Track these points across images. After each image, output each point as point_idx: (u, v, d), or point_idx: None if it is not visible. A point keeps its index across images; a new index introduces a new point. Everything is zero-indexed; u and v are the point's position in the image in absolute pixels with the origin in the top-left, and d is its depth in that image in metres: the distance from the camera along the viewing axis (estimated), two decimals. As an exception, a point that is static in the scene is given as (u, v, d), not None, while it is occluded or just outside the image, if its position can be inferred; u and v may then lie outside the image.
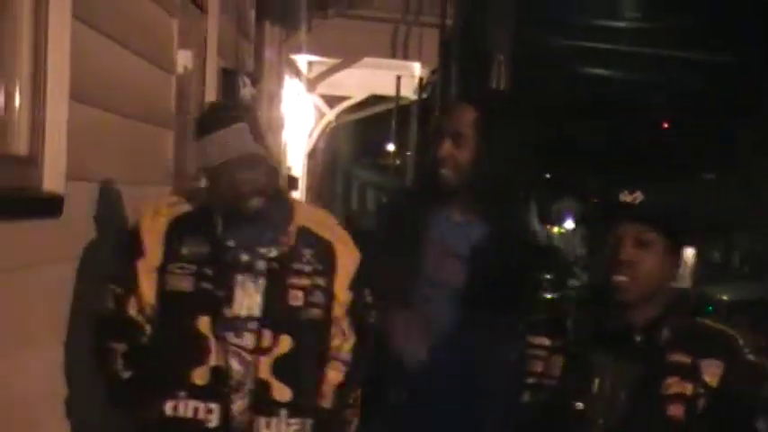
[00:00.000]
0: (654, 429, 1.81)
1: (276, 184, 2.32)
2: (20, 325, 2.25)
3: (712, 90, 22.25)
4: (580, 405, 1.83)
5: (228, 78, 4.85)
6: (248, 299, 2.20)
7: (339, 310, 2.30)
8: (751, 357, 1.86)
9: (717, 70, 20.83)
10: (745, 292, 9.95)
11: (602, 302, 1.88)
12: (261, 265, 2.22)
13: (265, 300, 2.20)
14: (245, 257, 2.22)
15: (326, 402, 2.29)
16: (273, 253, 2.23)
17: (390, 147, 13.02)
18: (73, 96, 2.47)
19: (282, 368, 2.20)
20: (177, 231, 2.22)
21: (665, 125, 28.06)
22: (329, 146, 11.00)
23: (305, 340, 2.23)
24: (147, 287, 2.20)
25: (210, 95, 4.43)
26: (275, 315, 2.21)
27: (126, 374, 2.22)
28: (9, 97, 2.32)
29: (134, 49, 3.04)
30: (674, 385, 1.81)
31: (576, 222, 30.97)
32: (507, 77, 8.72)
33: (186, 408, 2.18)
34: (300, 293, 2.23)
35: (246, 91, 5.10)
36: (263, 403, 2.19)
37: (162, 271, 2.20)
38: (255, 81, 5.68)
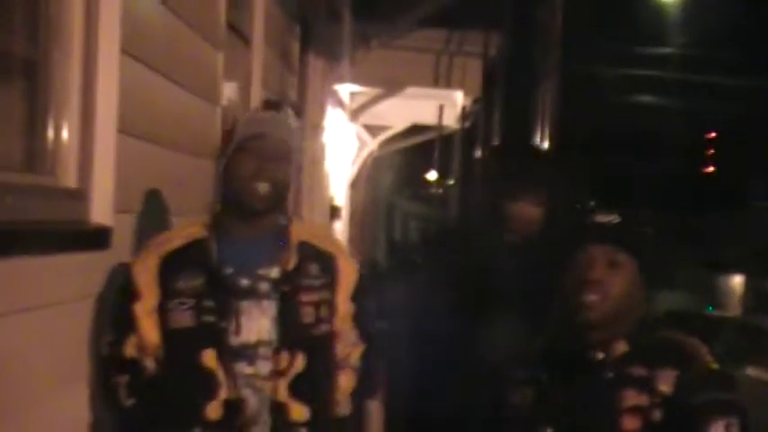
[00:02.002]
0: None
1: (285, 195, 2.27)
2: (70, 359, 2.26)
3: (764, 117, 21.97)
4: (549, 431, 1.86)
5: (272, 110, 4.88)
6: (255, 324, 2.16)
7: (342, 323, 2.26)
8: (707, 364, 1.85)
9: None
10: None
11: (565, 325, 1.91)
12: (263, 287, 2.18)
13: (280, 321, 2.16)
14: (244, 282, 2.17)
15: (344, 409, 2.27)
16: (275, 273, 2.19)
17: (433, 176, 13.01)
18: (121, 129, 2.49)
19: (299, 387, 2.17)
20: (170, 267, 2.18)
21: (712, 152, 27.72)
22: (372, 175, 11.02)
23: (317, 357, 2.20)
24: (150, 328, 2.17)
25: (255, 127, 4.45)
26: (291, 335, 2.17)
27: (129, 402, 2.19)
28: (58, 130, 2.34)
29: (181, 83, 3.07)
30: (630, 398, 1.81)
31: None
32: (552, 107, 8.67)
33: None
34: (311, 309, 2.20)
35: (290, 122, 5.12)
36: (282, 425, 2.16)
37: (162, 310, 2.17)
38: (299, 112, 5.71)
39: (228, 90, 4.06)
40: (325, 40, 6.71)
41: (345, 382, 2.29)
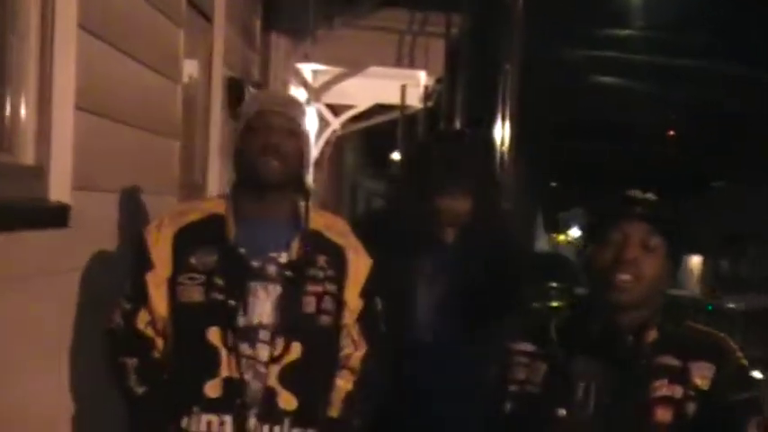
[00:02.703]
0: None
1: (298, 171, 2.25)
2: (26, 335, 2.25)
3: (728, 101, 22.21)
4: (562, 412, 1.76)
5: (234, 88, 4.86)
6: (260, 307, 2.16)
7: (350, 318, 2.25)
8: (740, 360, 1.81)
9: (732, 82, 20.80)
10: (756, 302, 9.87)
11: (593, 304, 1.82)
12: (272, 270, 2.17)
13: (280, 306, 2.16)
14: (255, 264, 2.17)
15: (334, 411, 2.25)
16: (284, 258, 2.19)
17: (396, 156, 13.01)
18: (79, 106, 2.47)
19: (290, 376, 2.16)
20: (185, 241, 2.18)
21: (671, 133, 28.01)
22: (335, 155, 11.01)
23: (315, 348, 2.19)
24: (159, 300, 2.17)
25: (216, 105, 4.44)
26: (289, 322, 2.17)
27: (140, 390, 2.18)
28: (15, 108, 2.32)
29: (140, 59, 3.04)
30: (662, 388, 1.75)
31: (583, 229, 30.92)
32: (514, 87, 8.71)
33: (200, 422, 2.14)
34: (313, 300, 2.19)
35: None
36: (267, 410, 2.16)
37: (172, 282, 2.17)
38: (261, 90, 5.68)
39: (190, 68, 4.03)
40: (288, 18, 6.67)
41: (342, 384, 2.27)
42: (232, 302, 2.14)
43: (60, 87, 2.40)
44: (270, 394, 2.15)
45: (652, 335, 1.79)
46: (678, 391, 1.75)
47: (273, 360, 2.15)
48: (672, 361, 1.77)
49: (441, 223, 2.60)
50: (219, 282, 2.15)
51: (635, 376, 1.76)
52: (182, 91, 3.66)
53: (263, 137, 2.19)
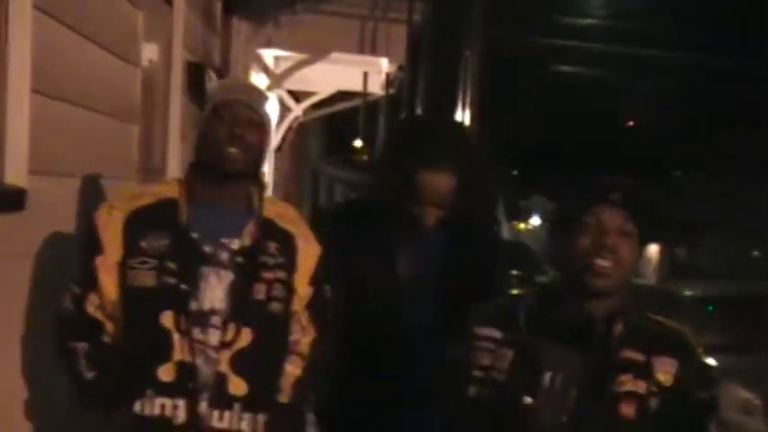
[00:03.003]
0: (604, 427, 1.74)
1: (258, 162, 2.26)
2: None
3: (685, 91, 22.49)
4: (528, 400, 1.75)
5: (195, 72, 4.82)
6: (211, 292, 2.16)
7: (299, 305, 2.27)
8: (702, 357, 1.82)
9: (693, 72, 21.07)
10: (712, 289, 10.03)
11: (567, 291, 1.80)
12: (224, 256, 2.18)
13: (231, 293, 2.17)
14: (208, 249, 2.18)
15: (284, 397, 2.26)
16: (236, 245, 2.19)
17: (358, 143, 13.01)
18: (35, 89, 2.43)
19: (241, 362, 2.17)
20: (136, 225, 2.17)
21: (631, 123, 28.33)
22: (297, 142, 10.97)
23: (265, 334, 2.20)
24: (109, 284, 2.16)
25: (176, 89, 4.40)
26: (240, 308, 2.17)
27: (90, 375, 2.17)
28: (-31, 89, 2.28)
29: (98, 42, 3.00)
30: (627, 383, 1.75)
31: (544, 217, 31.16)
32: (474, 74, 8.73)
33: (153, 405, 2.14)
34: (264, 287, 2.20)
35: (212, 85, 5.06)
36: (218, 396, 2.16)
37: (123, 266, 2.16)
38: (222, 75, 5.64)
39: (149, 51, 3.99)
40: (249, 2, 6.62)
41: (291, 370, 2.28)
42: (184, 287, 2.14)
43: (15, 70, 2.37)
44: (221, 380, 2.16)
45: (619, 327, 1.78)
46: (642, 387, 1.75)
47: (224, 346, 2.16)
48: (636, 355, 1.77)
49: (423, 202, 2.51)
50: (172, 266, 2.15)
51: (602, 369, 1.76)
52: (141, 74, 3.62)
53: (229, 126, 2.20)
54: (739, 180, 22.05)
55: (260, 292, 2.20)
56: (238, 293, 2.18)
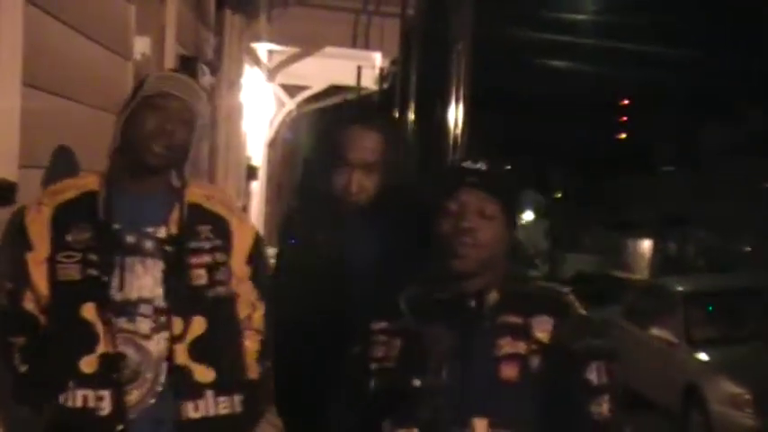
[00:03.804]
0: (489, 392, 1.79)
1: (183, 159, 2.22)
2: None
3: (674, 86, 22.54)
4: (417, 382, 1.81)
5: (187, 66, 4.80)
6: (137, 281, 2.15)
7: (239, 286, 2.26)
8: (580, 311, 1.88)
9: (679, 67, 21.11)
10: (701, 283, 10.07)
11: (439, 275, 1.86)
12: (149, 245, 2.16)
13: (167, 284, 2.15)
14: (130, 239, 2.15)
15: (253, 374, 2.27)
16: (162, 233, 2.17)
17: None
18: (26, 82, 2.42)
19: (200, 350, 2.16)
20: (62, 219, 2.15)
21: (623, 118, 28.37)
22: (290, 136, 10.95)
23: (218, 318, 2.20)
24: (40, 279, 2.14)
25: (168, 83, 4.38)
26: (180, 299, 2.16)
27: (23, 368, 2.17)
28: (-41, 82, 2.27)
29: (90, 35, 2.99)
30: (507, 346, 1.81)
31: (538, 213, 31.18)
32: (466, 67, 8.72)
33: (76, 398, 2.12)
34: (203, 272, 2.19)
35: (205, 79, 5.05)
36: (186, 387, 2.16)
37: (51, 261, 2.14)
38: (215, 69, 5.63)
39: (141, 45, 3.97)
40: (242, -4, 6.61)
41: (250, 345, 2.29)
42: (106, 278, 2.13)
43: (6, 62, 2.36)
44: (184, 372, 2.15)
45: (493, 297, 1.85)
46: (522, 347, 1.81)
47: (176, 339, 2.15)
48: (514, 319, 1.83)
49: (345, 198, 2.48)
50: (94, 258, 2.13)
51: (480, 337, 1.82)
52: (133, 68, 3.61)
53: (159, 119, 2.17)
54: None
55: (200, 277, 2.18)
56: (176, 284, 2.16)
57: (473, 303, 1.84)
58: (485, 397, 1.79)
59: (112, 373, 2.12)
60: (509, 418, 1.78)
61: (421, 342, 1.84)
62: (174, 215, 2.19)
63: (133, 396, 2.14)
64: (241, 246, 2.26)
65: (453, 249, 1.83)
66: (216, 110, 5.65)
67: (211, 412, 2.17)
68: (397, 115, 8.75)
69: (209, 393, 2.17)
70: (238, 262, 2.25)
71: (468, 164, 1.89)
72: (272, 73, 8.25)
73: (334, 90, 9.25)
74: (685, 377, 7.87)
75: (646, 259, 26.77)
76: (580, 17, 20.98)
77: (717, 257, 21.85)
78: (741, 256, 21.26)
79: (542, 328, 1.82)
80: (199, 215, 2.21)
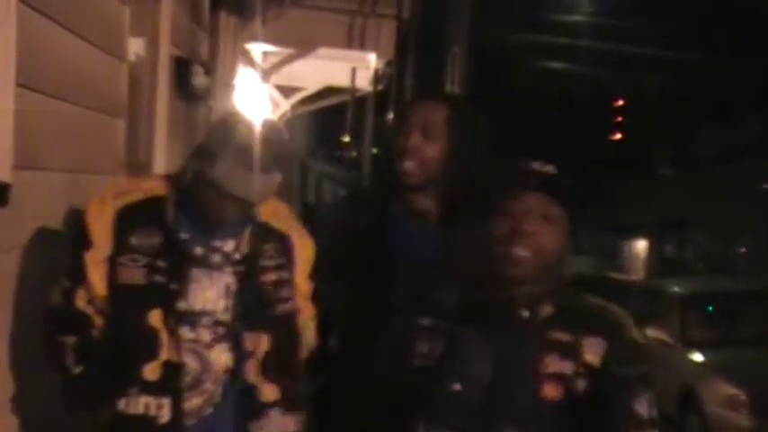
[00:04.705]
0: (532, 410, 1.73)
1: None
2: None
3: (671, 87, 22.59)
4: (457, 386, 1.75)
5: (182, 67, 4.80)
6: (202, 293, 2.15)
7: (302, 301, 2.29)
8: (633, 335, 1.79)
9: (676, 68, 21.15)
10: (698, 285, 10.08)
11: (491, 278, 1.78)
12: (216, 258, 2.17)
13: (239, 303, 2.17)
14: (199, 251, 2.16)
15: (304, 385, 2.30)
16: (230, 247, 2.18)
17: (346, 138, 13.00)
18: (20, 83, 2.41)
19: (268, 368, 2.19)
20: (127, 221, 2.15)
21: (620, 119, 28.41)
22: (284, 137, 10.94)
23: (282, 336, 2.21)
24: (98, 279, 2.14)
25: (163, 84, 4.38)
26: (253, 316, 2.18)
27: (78, 369, 2.15)
28: (-48, 83, 2.26)
29: (84, 36, 2.98)
30: (553, 364, 1.73)
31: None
32: (462, 69, 8.72)
33: (137, 404, 2.13)
34: (270, 290, 2.21)
35: (200, 80, 5.04)
36: (252, 405, 2.18)
37: (112, 262, 2.14)
38: (209, 70, 5.62)
39: (135, 46, 3.97)
40: (237, -3, 6.60)
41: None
42: (174, 286, 2.13)
43: (1, 64, 2.34)
44: (252, 389, 2.18)
45: (547, 309, 1.77)
46: (568, 367, 1.73)
47: (247, 356, 2.17)
48: (564, 336, 1.75)
49: (400, 164, 2.36)
50: (162, 265, 2.14)
51: (527, 351, 1.75)
52: (127, 69, 3.60)
53: (246, 174, 2.11)
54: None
55: (268, 295, 2.21)
56: (247, 302, 2.18)
57: (526, 314, 1.76)
58: (524, 413, 1.73)
59: (174, 382, 2.12)
60: None
61: (465, 344, 1.78)
62: (246, 236, 2.19)
63: (192, 403, 2.15)
64: (303, 261, 2.28)
65: (511, 253, 1.74)
66: (210, 111, 5.63)
67: (274, 430, 2.19)
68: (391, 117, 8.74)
69: (273, 413, 2.19)
70: (301, 277, 2.28)
71: (533, 165, 1.80)
72: (266, 74, 8.24)
73: (328, 91, 9.25)
74: (681, 379, 7.88)
75: (643, 261, 26.77)
76: (577, 19, 21.01)
77: (714, 259, 21.86)
78: (738, 259, 21.27)
79: (593, 351, 1.74)
80: (265, 233, 2.23)
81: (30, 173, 2.52)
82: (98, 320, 2.17)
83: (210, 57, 5.85)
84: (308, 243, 2.31)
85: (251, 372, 2.17)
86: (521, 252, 1.73)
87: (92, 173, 3.01)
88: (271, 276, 2.21)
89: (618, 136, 28.43)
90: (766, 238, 19.74)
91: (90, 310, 2.16)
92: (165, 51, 4.38)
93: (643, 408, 1.74)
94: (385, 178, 2.49)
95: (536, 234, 1.74)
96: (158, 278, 2.13)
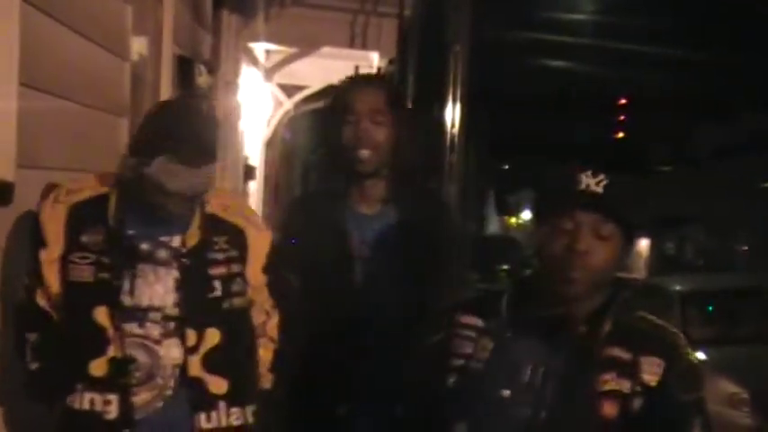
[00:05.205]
0: (584, 426, 1.69)
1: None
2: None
3: (672, 87, 22.56)
4: (506, 392, 1.70)
5: (184, 66, 4.80)
6: (149, 288, 2.15)
7: (256, 294, 2.26)
8: (691, 358, 1.77)
9: (678, 67, 21.13)
10: (698, 283, 10.08)
11: (546, 290, 1.74)
12: (163, 254, 2.16)
13: (182, 296, 2.15)
14: (145, 246, 2.15)
15: (267, 383, 2.28)
16: (176, 242, 2.17)
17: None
18: (23, 82, 2.42)
19: (214, 362, 2.16)
20: (77, 218, 2.15)
21: (621, 117, 28.38)
22: (287, 135, 10.95)
23: (233, 330, 2.19)
24: (52, 277, 2.15)
25: (166, 83, 4.38)
26: (196, 310, 2.16)
27: (33, 366, 2.18)
28: (-44, 82, 2.27)
29: (87, 35, 2.99)
30: (610, 382, 1.70)
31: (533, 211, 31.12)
32: (463, 68, 8.73)
33: (83, 400, 2.13)
34: (218, 283, 2.18)
35: (203, 79, 5.05)
36: (199, 399, 2.16)
37: (64, 260, 2.14)
38: (212, 69, 5.63)
39: (138, 45, 3.98)
40: (240, -4, 6.61)
41: (264, 354, 2.29)
42: (118, 282, 2.13)
43: (3, 62, 2.35)
44: (198, 384, 2.16)
45: (605, 326, 1.73)
46: (626, 386, 1.70)
47: (190, 351, 2.15)
48: (622, 354, 1.72)
49: (355, 153, 2.46)
50: (108, 262, 2.13)
51: (584, 366, 1.71)
52: (130, 68, 3.61)
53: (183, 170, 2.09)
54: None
55: (215, 289, 2.18)
56: (193, 296, 2.16)
57: (584, 329, 1.72)
58: (578, 428, 1.70)
59: (121, 378, 2.12)
60: None
61: (516, 351, 1.73)
62: (194, 228, 2.18)
63: (142, 397, 2.14)
64: (257, 254, 2.25)
65: (565, 274, 1.69)
66: (213, 110, 5.64)
67: (223, 423, 2.18)
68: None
69: (222, 404, 2.17)
70: (255, 271, 2.25)
71: (587, 178, 1.72)
72: (269, 73, 8.25)
73: (331, 90, 9.25)
74: (682, 377, 7.87)
75: (643, 259, 26.77)
76: (577, 17, 21.00)
77: (714, 257, 21.86)
78: (738, 256, 21.27)
79: (651, 371, 1.71)
80: (215, 226, 2.21)
81: (33, 172, 2.53)
82: (56, 318, 2.18)
83: (213, 56, 5.86)
84: (264, 236, 2.28)
85: (194, 366, 2.14)
86: (574, 274, 1.69)
87: (95, 172, 3.01)
88: (220, 269, 2.19)
89: (618, 134, 28.40)
90: (764, 235, 19.74)
91: (49, 308, 2.18)
92: (168, 50, 4.39)
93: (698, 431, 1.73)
94: (337, 170, 2.51)
95: (589, 253, 1.69)
96: (105, 275, 2.13)
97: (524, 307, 1.76)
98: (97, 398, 2.13)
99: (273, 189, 10.27)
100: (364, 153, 2.43)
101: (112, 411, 2.12)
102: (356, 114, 2.45)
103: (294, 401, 2.46)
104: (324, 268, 2.46)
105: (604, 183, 1.72)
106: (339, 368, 2.45)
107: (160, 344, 2.14)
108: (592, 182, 1.71)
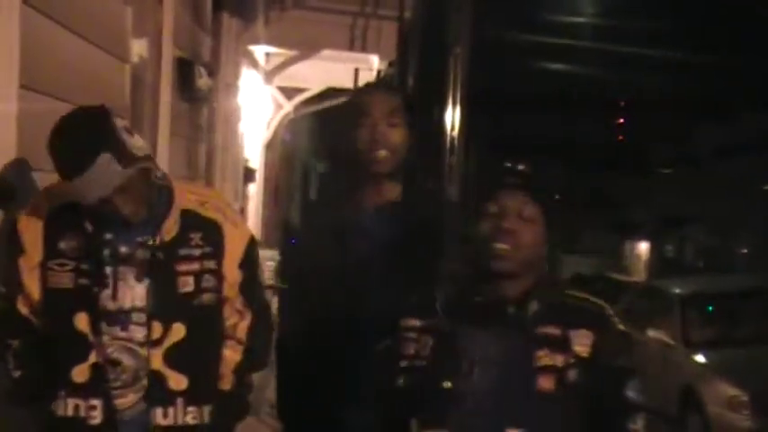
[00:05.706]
0: (524, 403, 1.78)
1: (153, 184, 2.16)
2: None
3: (672, 88, 22.56)
4: (448, 384, 1.79)
5: (184, 68, 4.81)
6: (131, 291, 2.13)
7: (230, 291, 2.23)
8: (619, 327, 1.87)
9: (678, 69, 21.13)
10: (698, 285, 10.07)
11: (476, 276, 1.85)
12: (141, 254, 2.14)
13: (152, 290, 2.14)
14: (123, 249, 2.14)
15: (226, 384, 2.26)
16: (153, 241, 2.15)
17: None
18: (23, 84, 2.43)
19: (176, 357, 2.15)
20: (55, 225, 2.14)
21: (621, 121, 28.38)
22: (287, 138, 10.96)
23: (199, 326, 2.17)
24: (32, 285, 2.14)
25: (166, 85, 4.39)
26: (164, 305, 2.14)
27: (17, 373, 2.17)
28: (-43, 85, 2.27)
29: (87, 37, 3.00)
30: (544, 357, 1.79)
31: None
32: (464, 70, 8.73)
33: (67, 407, 2.13)
34: (191, 279, 2.16)
35: (203, 82, 5.06)
36: (158, 394, 2.15)
37: (43, 267, 2.13)
38: (212, 72, 5.63)
39: (138, 47, 3.98)
40: (240, -1, 6.62)
41: (230, 355, 2.27)
42: (97, 289, 2.12)
43: (4, 65, 2.36)
44: (157, 378, 2.14)
45: (533, 305, 1.83)
46: (559, 360, 1.79)
47: (154, 344, 2.14)
48: (553, 330, 1.81)
49: (371, 155, 2.49)
50: (86, 267, 2.12)
51: (518, 346, 1.80)
52: (130, 70, 3.61)
53: (126, 207, 2.10)
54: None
55: (186, 284, 2.16)
56: (160, 290, 2.14)
57: (513, 310, 1.83)
58: (520, 408, 1.77)
59: (104, 383, 2.12)
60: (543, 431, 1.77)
61: (454, 343, 1.82)
62: (167, 225, 2.16)
63: (128, 399, 2.14)
64: (233, 250, 2.23)
65: (492, 251, 1.81)
66: (213, 112, 5.65)
67: (180, 421, 2.16)
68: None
69: (180, 401, 2.16)
70: (230, 267, 2.22)
71: (508, 164, 1.88)
72: (269, 75, 8.26)
73: (331, 92, 9.26)
74: (682, 379, 7.87)
75: (643, 261, 26.76)
76: (578, 20, 21.01)
77: (715, 259, 21.85)
78: (739, 258, 21.26)
79: (582, 342, 1.81)
80: (192, 222, 2.19)
81: (33, 174, 2.53)
82: (37, 325, 2.17)
83: (213, 58, 5.87)
84: (242, 233, 2.27)
85: (155, 360, 2.13)
86: (502, 246, 1.81)
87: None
88: (194, 265, 2.17)
89: (619, 136, 28.38)
90: (765, 236, 19.73)
91: (31, 316, 2.17)
92: (168, 53, 4.40)
93: (632, 393, 1.83)
94: (352, 172, 2.56)
95: (514, 231, 1.82)
96: (84, 281, 2.12)
97: (459, 299, 1.87)
98: (81, 404, 2.13)
99: (273, 191, 10.28)
100: (382, 154, 2.49)
101: (97, 416, 2.12)
102: (373, 117, 2.51)
103: (294, 401, 2.47)
104: (334, 270, 2.47)
105: (526, 169, 1.87)
106: (340, 368, 2.45)
107: (144, 346, 2.14)
108: (513, 167, 1.87)
